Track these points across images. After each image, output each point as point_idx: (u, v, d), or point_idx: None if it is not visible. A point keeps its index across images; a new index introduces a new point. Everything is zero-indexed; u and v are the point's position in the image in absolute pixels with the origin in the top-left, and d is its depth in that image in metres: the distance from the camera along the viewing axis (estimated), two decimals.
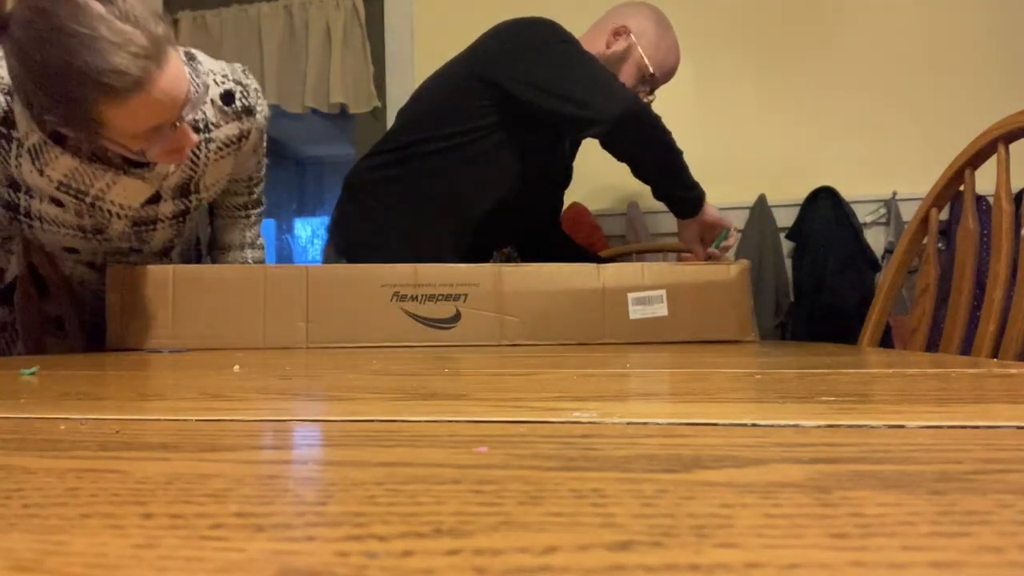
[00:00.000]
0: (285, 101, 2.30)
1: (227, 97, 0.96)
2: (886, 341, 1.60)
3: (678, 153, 1.18)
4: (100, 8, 0.73)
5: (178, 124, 0.82)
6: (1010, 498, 0.16)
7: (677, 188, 1.20)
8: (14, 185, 0.90)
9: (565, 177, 1.48)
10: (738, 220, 2.05)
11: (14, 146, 0.86)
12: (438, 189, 1.27)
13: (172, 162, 0.90)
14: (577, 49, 1.22)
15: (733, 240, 1.23)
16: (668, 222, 1.96)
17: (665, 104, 2.16)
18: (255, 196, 1.10)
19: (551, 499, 0.17)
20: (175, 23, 2.42)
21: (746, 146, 2.12)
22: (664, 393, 0.39)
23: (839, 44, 2.08)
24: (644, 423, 0.28)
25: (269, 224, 4.21)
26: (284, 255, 4.30)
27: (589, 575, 0.12)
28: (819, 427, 0.26)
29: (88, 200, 0.91)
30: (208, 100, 0.94)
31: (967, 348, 0.91)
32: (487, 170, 1.26)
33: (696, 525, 0.15)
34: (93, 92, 0.74)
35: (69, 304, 1.05)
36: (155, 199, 0.96)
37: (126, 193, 0.92)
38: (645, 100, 1.33)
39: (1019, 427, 0.25)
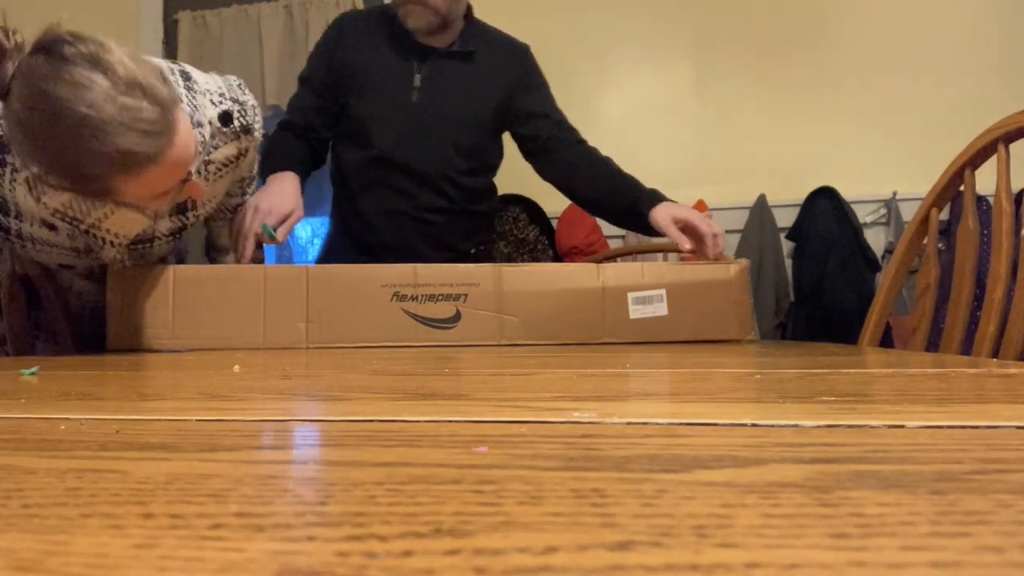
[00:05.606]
0: (285, 101, 2.29)
1: (225, 118, 0.93)
2: (886, 341, 1.60)
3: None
4: (103, 83, 0.67)
5: (187, 179, 0.81)
6: (1010, 498, 0.16)
7: None
8: (4, 209, 0.87)
9: (442, 119, 1.27)
10: (738, 220, 2.06)
11: (8, 169, 0.82)
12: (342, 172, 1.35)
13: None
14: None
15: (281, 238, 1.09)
16: None
17: (666, 104, 2.17)
18: (249, 196, 1.09)
19: (551, 499, 0.17)
20: (175, 23, 2.42)
21: (746, 146, 2.12)
22: (664, 393, 0.39)
23: (839, 44, 2.08)
24: (644, 423, 0.28)
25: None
26: (284, 255, 4.29)
27: (589, 575, 0.12)
28: (819, 427, 0.26)
29: (83, 228, 0.89)
30: (206, 122, 0.91)
31: (967, 348, 0.91)
32: (355, 138, 1.31)
33: (696, 525, 0.15)
34: (104, 171, 0.71)
35: (62, 315, 1.03)
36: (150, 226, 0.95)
37: (123, 223, 0.90)
38: None
39: (1019, 427, 0.25)
